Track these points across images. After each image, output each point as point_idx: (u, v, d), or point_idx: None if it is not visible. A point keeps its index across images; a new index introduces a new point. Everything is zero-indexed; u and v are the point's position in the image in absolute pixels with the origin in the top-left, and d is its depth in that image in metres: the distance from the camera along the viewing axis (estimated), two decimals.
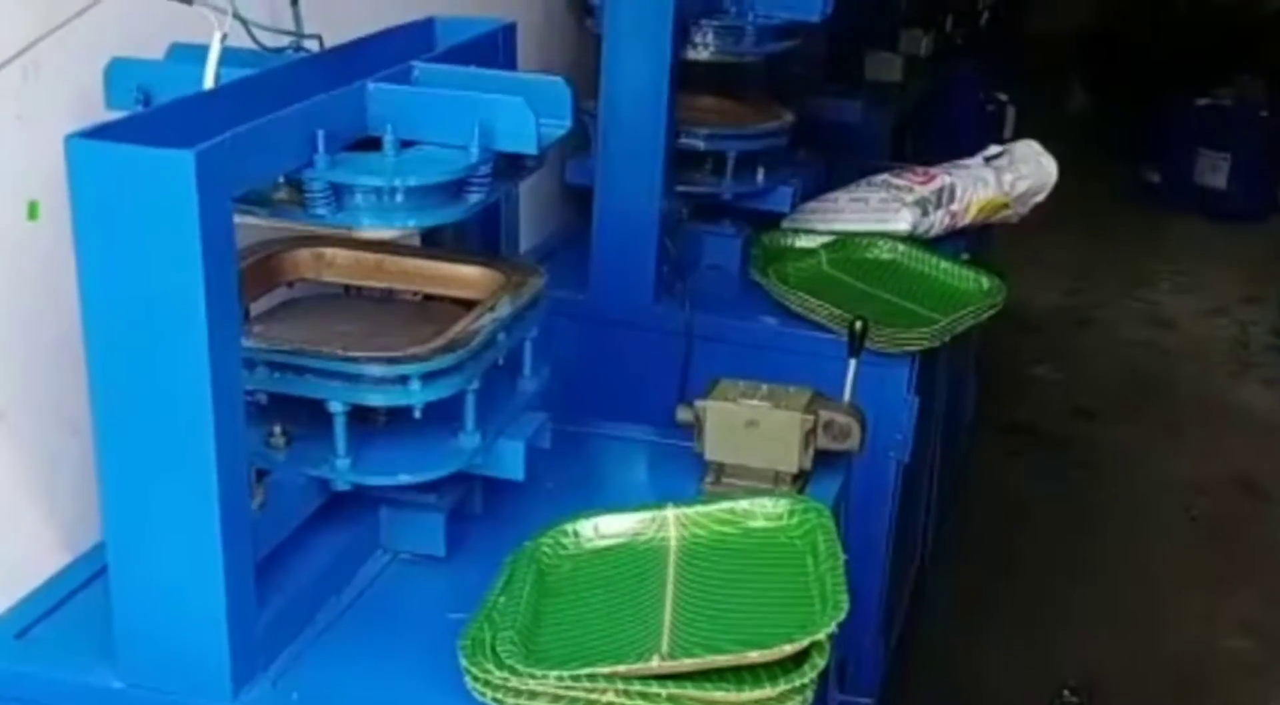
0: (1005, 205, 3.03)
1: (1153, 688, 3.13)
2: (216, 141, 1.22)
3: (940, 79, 4.62)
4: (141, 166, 1.20)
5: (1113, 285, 5.55)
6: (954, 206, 2.91)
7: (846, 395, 1.90)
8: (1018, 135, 3.34)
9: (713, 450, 1.83)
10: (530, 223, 2.61)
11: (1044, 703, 3.01)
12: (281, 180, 1.43)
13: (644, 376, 2.48)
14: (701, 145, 2.67)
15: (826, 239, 2.83)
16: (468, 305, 1.66)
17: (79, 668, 1.41)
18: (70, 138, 1.21)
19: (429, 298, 1.76)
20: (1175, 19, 7.12)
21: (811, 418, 1.80)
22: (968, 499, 3.64)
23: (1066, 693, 3.02)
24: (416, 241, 1.81)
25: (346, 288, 1.78)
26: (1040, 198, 3.11)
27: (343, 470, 1.53)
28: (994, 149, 3.12)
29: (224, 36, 1.42)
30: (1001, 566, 3.52)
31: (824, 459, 1.84)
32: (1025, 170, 3.05)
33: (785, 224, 2.87)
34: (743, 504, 1.66)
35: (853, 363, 1.93)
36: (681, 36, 2.53)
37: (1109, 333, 5.19)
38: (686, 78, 2.58)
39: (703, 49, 2.62)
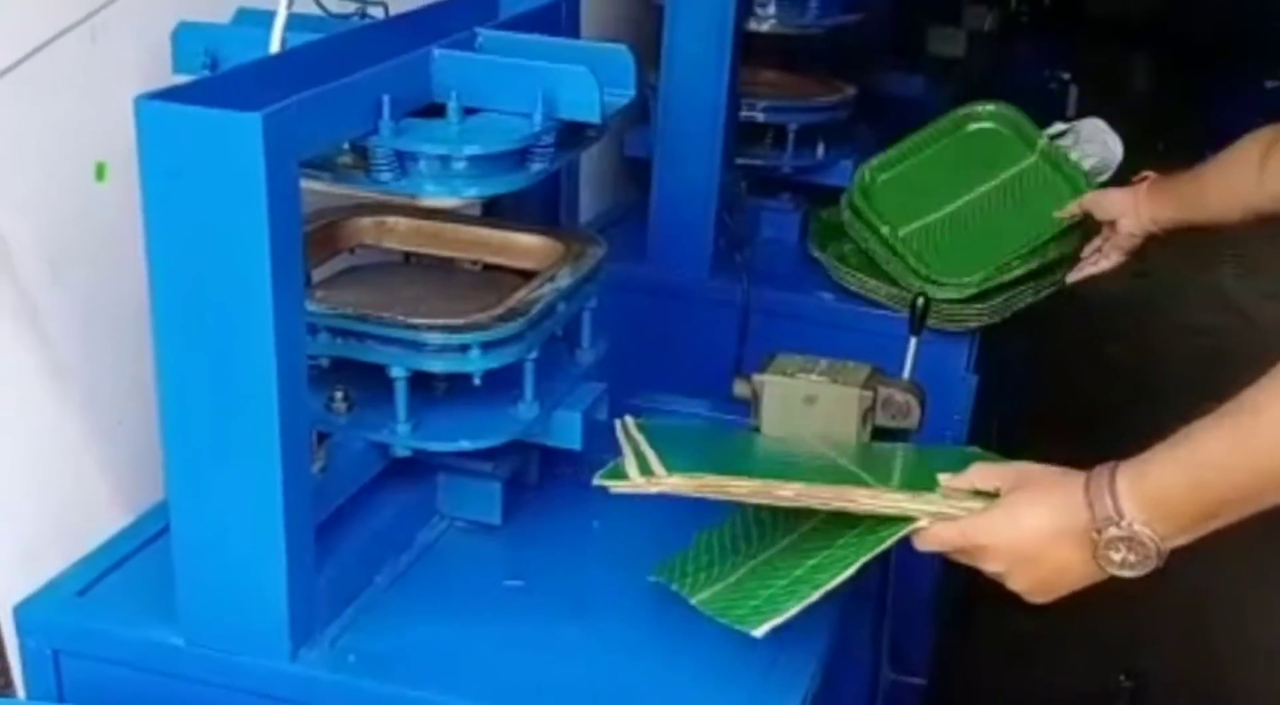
0: None
1: (1218, 678, 3.09)
2: (283, 105, 1.22)
3: (1003, 56, 4.55)
4: (210, 128, 1.20)
5: (1177, 267, 5.45)
6: None
7: (906, 373, 1.88)
8: (1080, 115, 3.28)
9: (769, 425, 1.81)
10: (589, 195, 2.60)
11: (1098, 689, 2.99)
12: (346, 146, 1.44)
13: (700, 350, 2.47)
14: (761, 117, 2.65)
15: None
16: (527, 275, 1.66)
17: (141, 625, 1.43)
18: (139, 99, 1.21)
19: (489, 267, 1.77)
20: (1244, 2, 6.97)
21: (870, 394, 1.79)
22: None
23: (1122, 677, 2.98)
24: (478, 211, 1.81)
25: (407, 256, 1.79)
26: (1104, 177, 3.05)
27: (403, 435, 1.54)
28: (1059, 126, 3.06)
29: (290, 2, 1.42)
30: None
31: (882, 437, 1.82)
32: (1090, 149, 2.99)
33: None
34: None
35: (914, 341, 1.91)
36: (744, 8, 2.51)
37: (1172, 315, 5.11)
38: (748, 51, 2.56)
39: (765, 21, 2.61)
